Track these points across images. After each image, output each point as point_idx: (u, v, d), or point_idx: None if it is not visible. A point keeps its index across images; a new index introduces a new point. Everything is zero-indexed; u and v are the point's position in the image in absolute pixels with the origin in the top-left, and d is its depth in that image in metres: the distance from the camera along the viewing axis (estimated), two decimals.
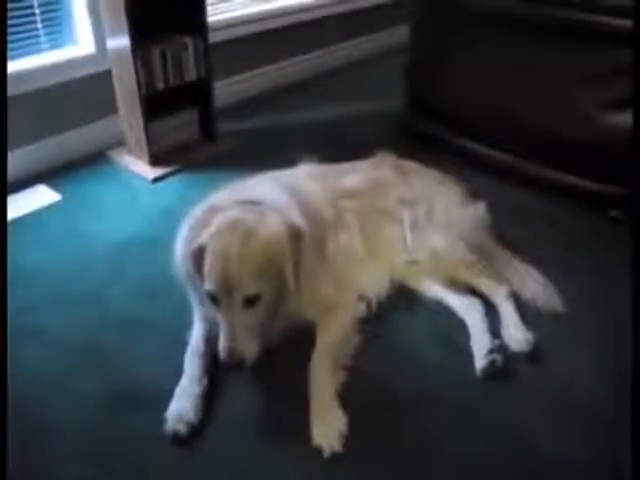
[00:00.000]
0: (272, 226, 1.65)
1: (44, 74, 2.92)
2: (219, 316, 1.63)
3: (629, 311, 1.69)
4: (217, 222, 1.65)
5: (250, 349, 1.60)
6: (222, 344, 1.59)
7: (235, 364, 1.59)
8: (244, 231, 1.62)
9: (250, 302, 1.60)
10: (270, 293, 1.63)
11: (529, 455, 1.57)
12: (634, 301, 1.47)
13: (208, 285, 1.60)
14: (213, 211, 1.71)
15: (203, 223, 1.68)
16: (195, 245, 1.63)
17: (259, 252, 1.59)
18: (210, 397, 1.70)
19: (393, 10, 4.66)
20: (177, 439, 1.57)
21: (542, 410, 1.70)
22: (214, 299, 1.62)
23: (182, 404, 1.63)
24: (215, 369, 1.77)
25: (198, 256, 1.63)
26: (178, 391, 1.67)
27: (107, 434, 1.63)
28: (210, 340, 1.78)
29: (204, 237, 1.63)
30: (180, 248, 1.75)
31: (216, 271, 1.58)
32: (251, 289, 1.58)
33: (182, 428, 1.58)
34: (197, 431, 1.60)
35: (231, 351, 1.57)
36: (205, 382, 1.71)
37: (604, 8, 2.29)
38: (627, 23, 2.21)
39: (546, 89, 2.56)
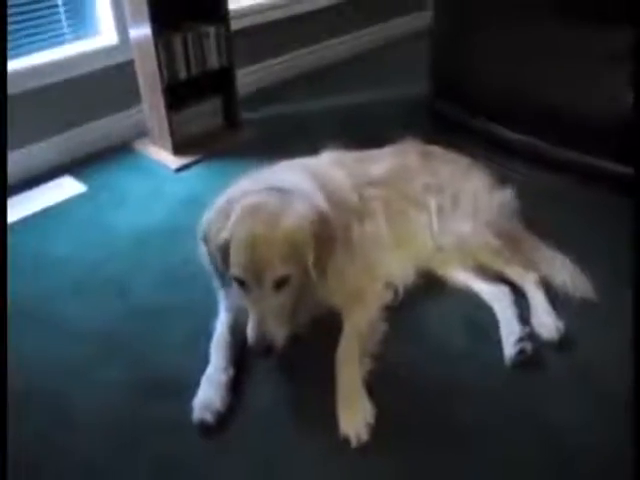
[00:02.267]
0: (296, 210, 1.63)
1: (68, 65, 2.93)
2: (247, 302, 1.62)
3: None
4: (240, 209, 1.64)
5: (279, 334, 1.59)
6: (251, 329, 1.58)
7: (264, 349, 1.58)
8: (268, 215, 1.61)
9: (279, 285, 1.59)
10: (298, 275, 1.62)
11: (557, 444, 1.55)
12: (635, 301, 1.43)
13: (236, 270, 1.59)
14: (236, 199, 1.70)
15: (226, 212, 1.67)
16: (221, 237, 1.62)
17: (284, 235, 1.58)
18: (236, 386, 1.69)
19: None
20: (204, 428, 1.57)
21: (571, 399, 1.67)
22: (242, 284, 1.61)
23: (208, 393, 1.63)
24: (241, 358, 1.76)
25: (224, 247, 1.62)
26: (204, 380, 1.67)
27: (132, 423, 1.64)
28: (236, 329, 1.78)
29: (228, 227, 1.62)
30: (204, 238, 1.74)
31: (244, 256, 1.58)
32: (280, 270, 1.58)
33: (209, 417, 1.58)
34: (224, 420, 1.60)
35: (261, 336, 1.57)
36: (231, 371, 1.70)
37: None
38: None
39: (575, 70, 2.49)
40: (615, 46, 2.34)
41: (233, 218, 1.63)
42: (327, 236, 1.66)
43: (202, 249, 1.78)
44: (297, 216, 1.62)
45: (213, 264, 1.72)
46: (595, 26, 2.38)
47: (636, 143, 1.88)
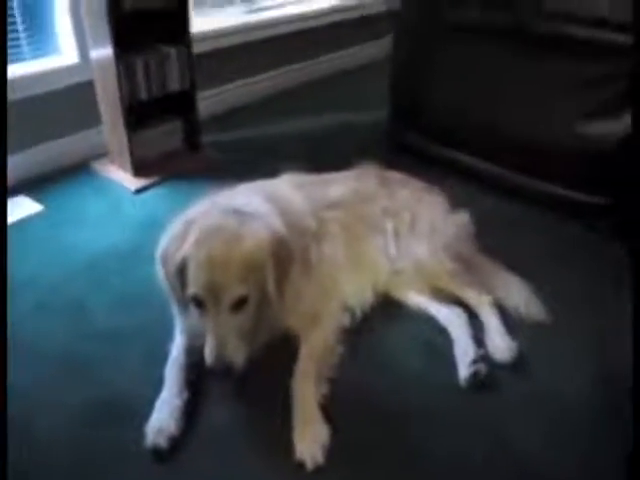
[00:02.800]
0: (254, 232, 1.64)
1: (26, 83, 2.90)
2: (205, 323, 1.61)
3: (612, 319, 1.69)
4: (198, 230, 1.64)
5: (238, 354, 1.58)
6: (209, 351, 1.57)
7: (223, 369, 1.56)
8: (226, 236, 1.61)
9: (237, 306, 1.59)
10: (256, 296, 1.63)
11: (514, 464, 1.57)
12: (635, 305, 1.47)
13: (194, 290, 1.59)
14: (194, 221, 1.69)
15: (183, 234, 1.66)
16: (178, 258, 1.62)
17: (242, 255, 1.58)
18: (191, 410, 1.67)
19: (379, 22, 4.69)
20: (157, 453, 1.55)
21: (526, 419, 1.70)
22: (200, 305, 1.60)
23: (162, 417, 1.60)
24: (197, 381, 1.75)
25: (181, 268, 1.61)
26: (158, 404, 1.65)
27: (87, 448, 1.60)
28: (191, 353, 1.77)
29: (185, 248, 1.62)
30: (161, 259, 1.73)
31: (202, 276, 1.57)
32: (238, 291, 1.58)
33: (162, 442, 1.55)
34: (178, 445, 1.58)
35: (219, 357, 1.55)
36: (186, 395, 1.68)
37: (587, 20, 2.32)
38: (610, 35, 2.26)
39: (528, 99, 2.58)
40: (573, 77, 2.43)
41: (191, 239, 1.63)
42: (285, 257, 1.67)
43: (159, 271, 1.77)
44: (255, 237, 1.63)
45: (170, 285, 1.71)
46: (553, 58, 2.46)
47: (634, 164, 1.94)
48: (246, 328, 1.64)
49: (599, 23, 2.28)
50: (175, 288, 1.67)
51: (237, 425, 1.67)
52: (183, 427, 1.61)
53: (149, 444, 1.55)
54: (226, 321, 1.59)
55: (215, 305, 1.58)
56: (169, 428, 1.58)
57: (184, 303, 1.69)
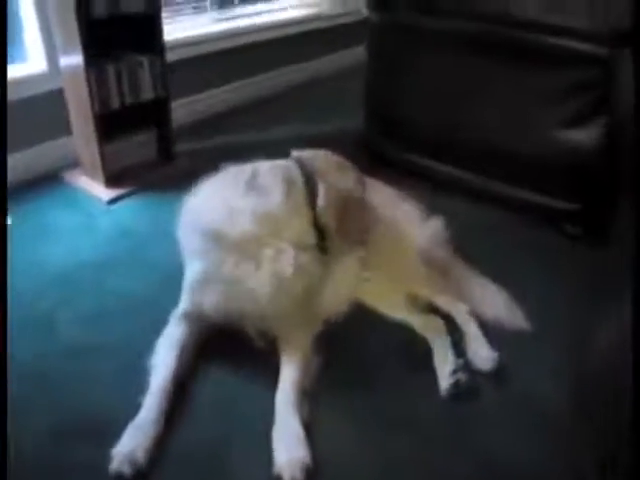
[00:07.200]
0: None
1: None
2: None
3: (590, 325, 1.69)
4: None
5: None
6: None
7: None
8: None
9: None
10: None
11: (495, 472, 1.56)
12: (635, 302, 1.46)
13: None
14: None
15: None
16: None
17: None
18: (164, 437, 1.60)
19: (351, 31, 4.70)
20: None
21: (507, 427, 1.68)
22: None
23: (132, 443, 1.52)
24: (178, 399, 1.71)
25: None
26: (131, 428, 1.57)
27: (54, 469, 1.55)
28: (186, 345, 1.77)
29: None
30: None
31: None
32: None
33: (127, 470, 1.47)
34: (143, 474, 1.49)
35: None
36: (162, 424, 1.61)
37: (555, 29, 2.33)
38: (579, 45, 2.29)
39: (503, 108, 2.58)
40: (546, 86, 2.43)
41: None
42: None
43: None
44: None
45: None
46: (527, 66, 2.47)
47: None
48: None
49: (570, 32, 2.30)
50: None
51: (211, 444, 1.62)
52: (152, 457, 1.53)
53: (113, 470, 1.48)
54: None
55: None
56: (137, 457, 1.50)
57: None
